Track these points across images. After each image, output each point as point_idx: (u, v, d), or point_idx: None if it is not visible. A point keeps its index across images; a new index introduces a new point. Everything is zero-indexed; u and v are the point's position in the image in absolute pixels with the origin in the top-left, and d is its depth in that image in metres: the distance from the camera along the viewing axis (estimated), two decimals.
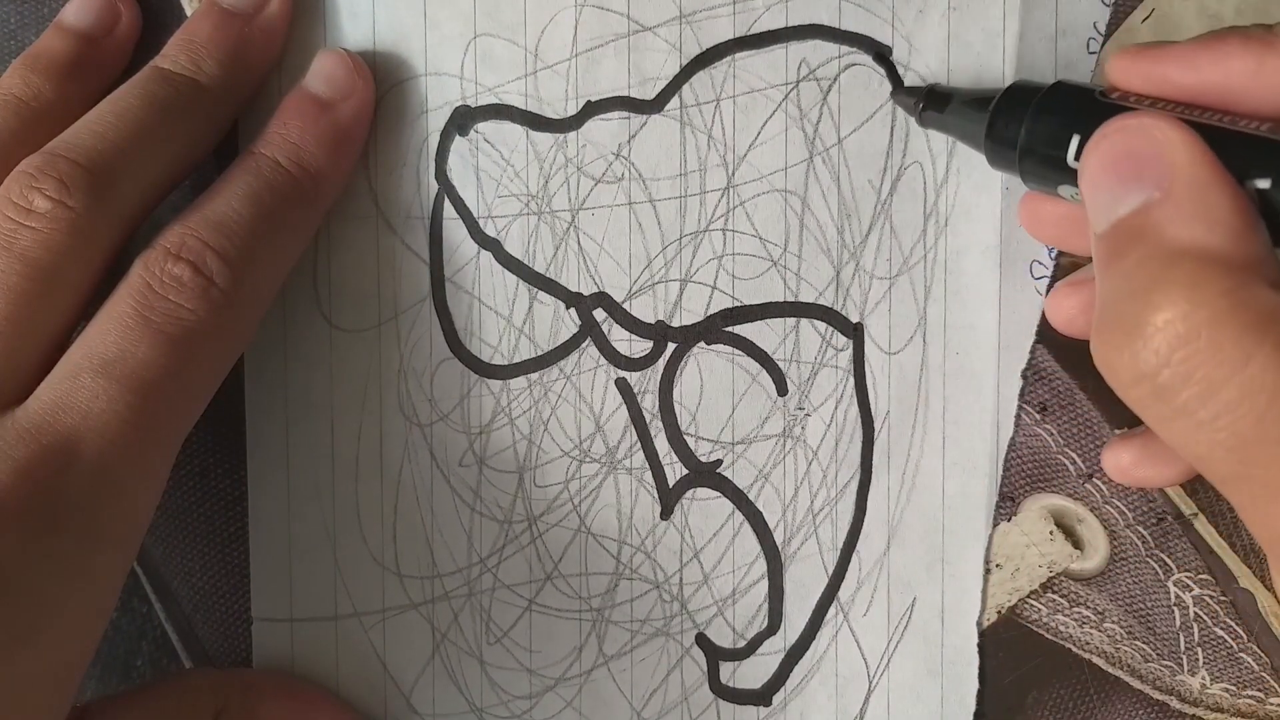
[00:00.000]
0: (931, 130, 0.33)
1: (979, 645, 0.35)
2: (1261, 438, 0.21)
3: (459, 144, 0.33)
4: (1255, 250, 0.23)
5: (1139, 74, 0.26)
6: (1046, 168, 0.28)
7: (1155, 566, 0.35)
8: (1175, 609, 0.35)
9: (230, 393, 0.33)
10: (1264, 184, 0.23)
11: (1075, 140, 0.26)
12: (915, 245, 0.34)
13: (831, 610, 0.35)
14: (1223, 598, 0.35)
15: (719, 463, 0.35)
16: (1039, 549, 0.35)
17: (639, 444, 0.35)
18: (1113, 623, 0.35)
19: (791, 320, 0.34)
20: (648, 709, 0.35)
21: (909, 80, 0.34)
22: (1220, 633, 0.35)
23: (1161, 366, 0.22)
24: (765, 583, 0.35)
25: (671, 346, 0.34)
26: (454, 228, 0.33)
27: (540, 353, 0.34)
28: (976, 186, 0.34)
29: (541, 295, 0.34)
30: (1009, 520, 0.35)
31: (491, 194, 0.33)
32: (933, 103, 0.32)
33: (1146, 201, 0.24)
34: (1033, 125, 0.28)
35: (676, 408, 0.35)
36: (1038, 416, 0.35)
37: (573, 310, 0.34)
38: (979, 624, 0.35)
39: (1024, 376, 0.34)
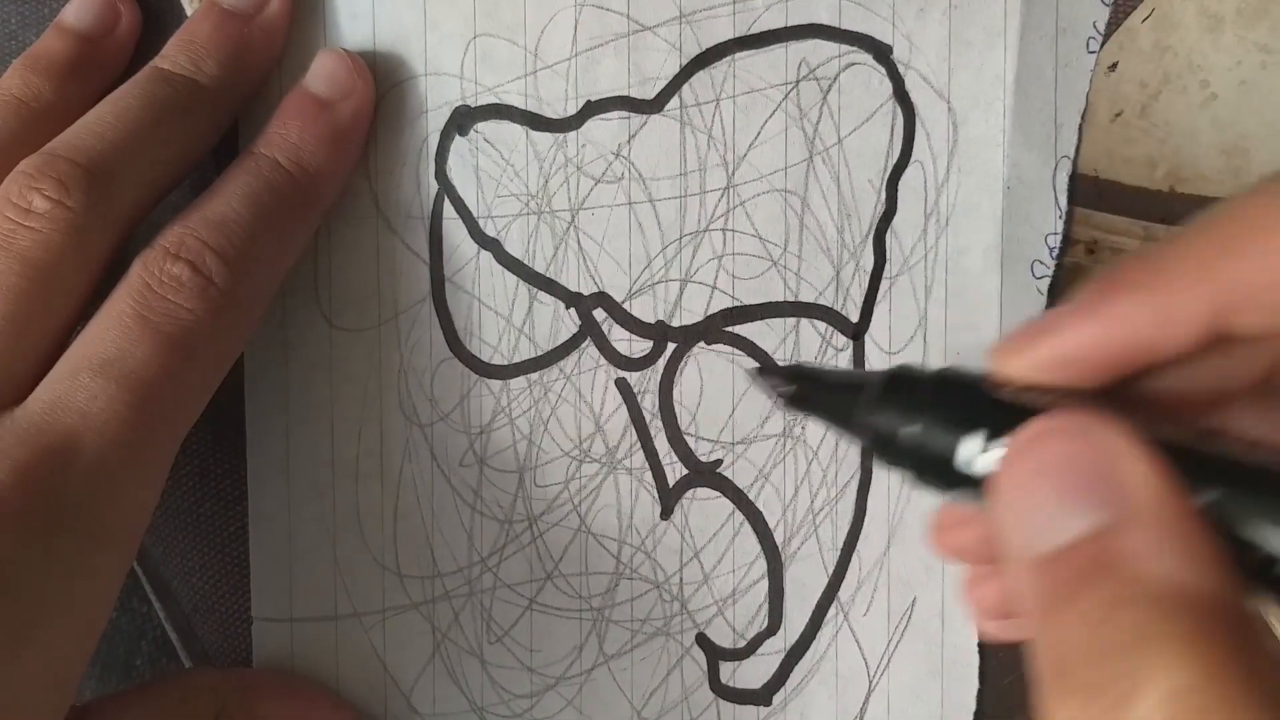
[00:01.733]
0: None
1: (979, 645, 0.35)
2: None
3: (459, 144, 0.33)
4: (1238, 588, 0.18)
5: (1028, 360, 0.22)
6: (938, 475, 0.22)
7: None
8: None
9: (230, 393, 0.33)
10: (1211, 496, 0.19)
11: (973, 441, 0.21)
12: (915, 245, 0.34)
13: (832, 610, 0.35)
14: None
15: (719, 463, 0.35)
16: None
17: (639, 444, 0.35)
18: None
19: (791, 320, 0.34)
20: (648, 708, 0.35)
21: (909, 81, 0.34)
22: None
23: None
24: (765, 583, 0.35)
25: (671, 346, 0.34)
26: (454, 228, 0.33)
27: (540, 353, 0.34)
28: (977, 186, 0.34)
29: (541, 295, 0.34)
30: None
31: (491, 194, 0.33)
32: (799, 391, 0.24)
33: (1100, 527, 0.19)
34: (920, 427, 0.22)
35: (676, 408, 0.35)
36: None
37: (573, 310, 0.34)
38: None
39: None
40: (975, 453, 0.21)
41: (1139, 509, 0.19)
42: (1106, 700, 0.18)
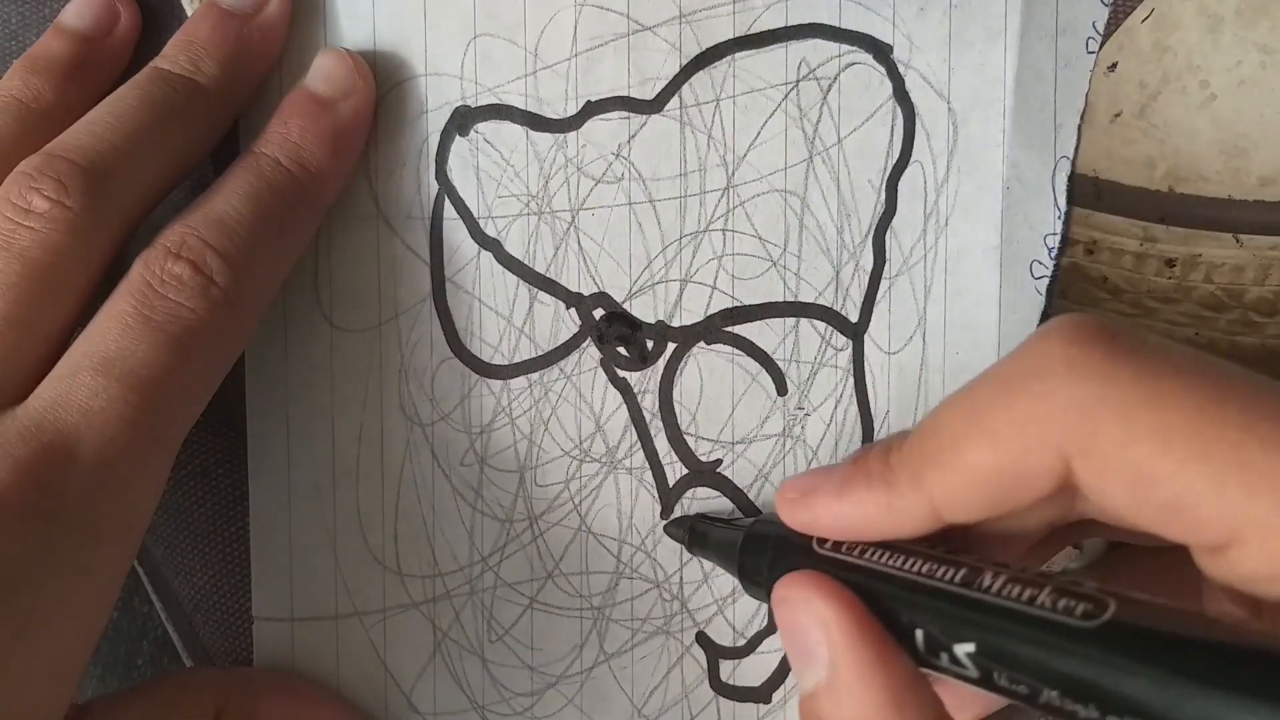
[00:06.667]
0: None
1: None
2: None
3: (459, 144, 0.33)
4: None
5: (799, 520, 0.27)
6: None
7: None
8: None
9: (230, 393, 0.33)
10: (967, 648, 0.23)
11: None
12: (915, 245, 0.34)
13: None
14: None
15: (719, 462, 0.35)
16: None
17: (639, 444, 0.35)
18: None
19: (791, 320, 0.34)
20: (648, 706, 0.35)
21: (909, 81, 0.34)
22: None
23: None
24: None
25: (671, 346, 0.34)
26: (454, 228, 0.33)
27: (540, 353, 0.34)
28: (977, 186, 0.34)
29: (542, 295, 0.34)
30: None
31: (491, 194, 0.33)
32: (695, 538, 0.34)
33: (817, 684, 0.23)
34: (771, 573, 0.28)
35: (676, 407, 0.35)
36: None
37: (573, 310, 0.34)
38: None
39: None
40: None
41: (837, 676, 0.23)
42: None
